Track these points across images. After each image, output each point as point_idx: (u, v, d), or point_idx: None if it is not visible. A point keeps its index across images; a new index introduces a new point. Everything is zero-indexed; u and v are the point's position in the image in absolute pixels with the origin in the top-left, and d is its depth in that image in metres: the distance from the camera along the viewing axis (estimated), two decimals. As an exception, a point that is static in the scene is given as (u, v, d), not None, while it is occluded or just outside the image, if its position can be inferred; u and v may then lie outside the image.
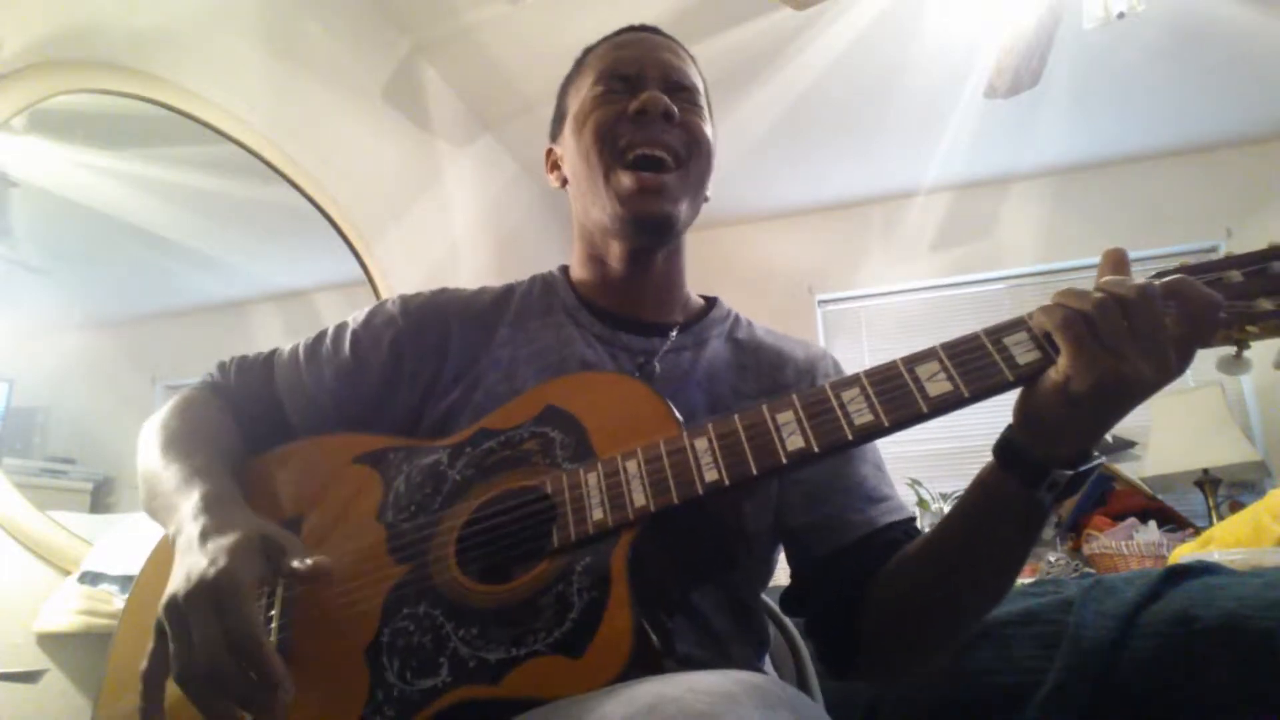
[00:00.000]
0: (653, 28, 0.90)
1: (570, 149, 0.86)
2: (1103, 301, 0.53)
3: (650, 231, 0.81)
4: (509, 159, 3.04)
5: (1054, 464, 0.57)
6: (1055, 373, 0.54)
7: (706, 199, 0.88)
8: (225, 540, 0.61)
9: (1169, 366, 0.53)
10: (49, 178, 1.41)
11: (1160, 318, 0.53)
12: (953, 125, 2.98)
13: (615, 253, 0.85)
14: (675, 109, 0.81)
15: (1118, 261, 0.57)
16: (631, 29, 0.90)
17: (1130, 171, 3.31)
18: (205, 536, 0.62)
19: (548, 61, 2.57)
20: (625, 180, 0.79)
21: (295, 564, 0.62)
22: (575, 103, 0.87)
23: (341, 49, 2.12)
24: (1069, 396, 0.53)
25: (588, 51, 0.90)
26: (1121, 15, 1.83)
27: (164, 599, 0.58)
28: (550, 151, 0.93)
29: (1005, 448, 0.60)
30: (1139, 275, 0.56)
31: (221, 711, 0.55)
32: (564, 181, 0.90)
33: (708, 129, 0.86)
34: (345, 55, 2.14)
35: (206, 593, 0.57)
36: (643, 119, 0.80)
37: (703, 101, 0.87)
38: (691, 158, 0.83)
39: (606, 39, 0.90)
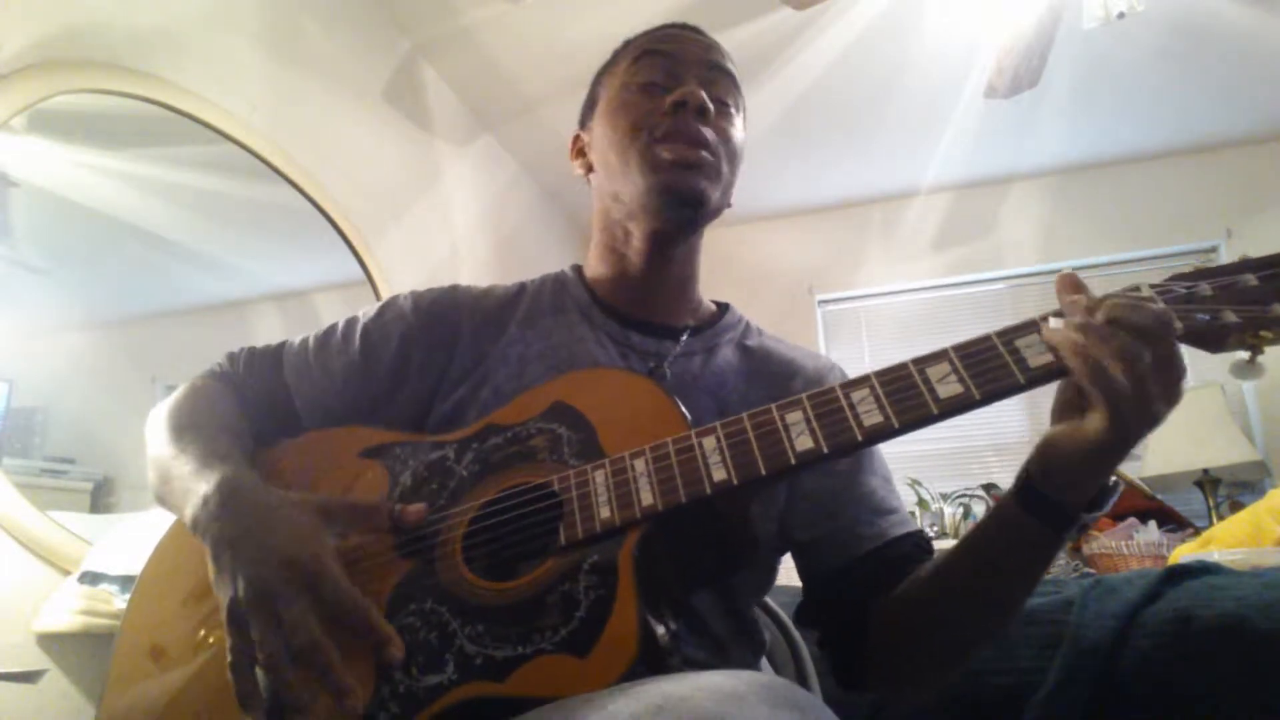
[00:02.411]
0: (695, 27, 0.89)
1: (601, 134, 0.85)
2: (1125, 348, 0.51)
3: (681, 203, 0.80)
4: (509, 159, 3.03)
5: (1079, 509, 0.58)
6: (1090, 430, 0.54)
7: (729, 205, 0.87)
8: (283, 513, 0.60)
9: (1174, 395, 0.53)
10: (49, 178, 1.41)
11: (1173, 346, 0.52)
12: (953, 125, 2.98)
13: (637, 242, 0.84)
14: (711, 106, 0.81)
15: (1075, 287, 0.56)
16: (674, 25, 0.89)
17: (1130, 171, 3.31)
18: (257, 513, 0.61)
19: (548, 61, 2.58)
20: (663, 153, 0.79)
21: (393, 508, 0.65)
22: (610, 89, 0.86)
23: (341, 49, 2.12)
24: (1100, 448, 0.54)
25: (628, 43, 0.89)
26: (1121, 15, 1.83)
27: (233, 588, 0.58)
28: (577, 138, 0.92)
29: (1029, 497, 0.59)
30: (1143, 276, 0.55)
31: (312, 692, 0.55)
32: (589, 169, 0.89)
33: (739, 134, 0.85)
34: (345, 55, 2.14)
35: (289, 571, 0.56)
36: (679, 111, 0.80)
37: (738, 107, 0.86)
38: (724, 156, 0.82)
39: (648, 32, 0.89)
